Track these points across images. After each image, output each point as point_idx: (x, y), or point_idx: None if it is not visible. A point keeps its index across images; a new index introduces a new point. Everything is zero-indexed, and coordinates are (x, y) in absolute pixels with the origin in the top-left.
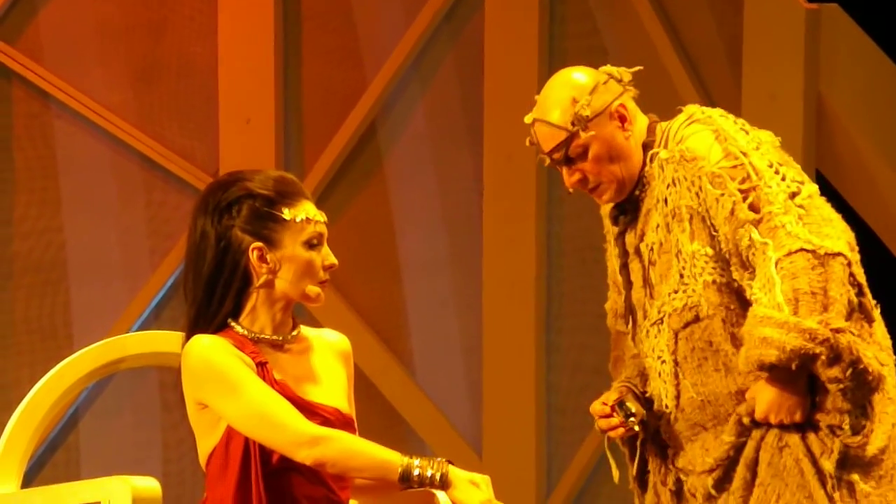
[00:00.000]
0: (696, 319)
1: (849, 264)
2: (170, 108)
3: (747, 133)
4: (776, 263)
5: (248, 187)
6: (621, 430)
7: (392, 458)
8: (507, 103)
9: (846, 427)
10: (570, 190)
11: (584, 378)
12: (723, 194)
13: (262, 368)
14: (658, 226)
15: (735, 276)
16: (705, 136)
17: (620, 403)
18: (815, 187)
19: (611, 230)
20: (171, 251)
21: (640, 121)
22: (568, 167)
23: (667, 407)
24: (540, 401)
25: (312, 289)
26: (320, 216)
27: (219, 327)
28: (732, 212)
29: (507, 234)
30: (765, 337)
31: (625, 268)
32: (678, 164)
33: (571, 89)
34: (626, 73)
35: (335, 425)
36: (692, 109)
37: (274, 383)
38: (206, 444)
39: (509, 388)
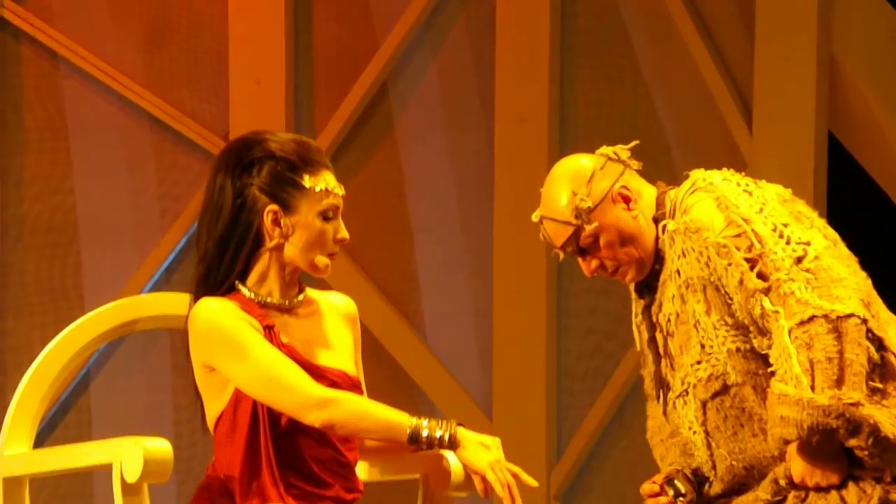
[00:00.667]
0: (725, 388)
1: (864, 321)
2: (179, 69)
3: (750, 194)
4: (790, 332)
5: (272, 149)
6: None
7: (401, 420)
8: (519, 65)
9: (888, 477)
10: (590, 276)
11: (594, 341)
12: (730, 264)
13: (269, 332)
14: (674, 296)
15: (755, 343)
16: (707, 205)
17: (670, 481)
18: (822, 245)
19: (637, 302)
20: (181, 213)
21: (648, 195)
22: (583, 258)
23: (707, 476)
24: (550, 363)
25: (321, 259)
26: (339, 189)
27: (226, 290)
28: (741, 282)
29: (519, 197)
30: (782, 416)
31: (652, 341)
32: (684, 236)
33: (570, 182)
34: (623, 151)
35: (342, 388)
36: (696, 176)
37: (281, 346)
38: (213, 407)
39: (520, 350)
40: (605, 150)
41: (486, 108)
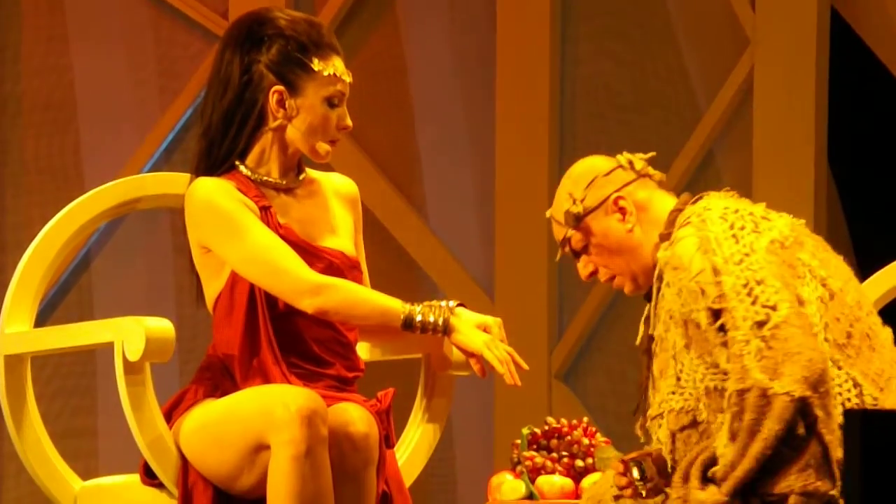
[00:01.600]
0: (694, 423)
1: (798, 400)
2: None
3: (737, 241)
4: (728, 398)
5: (283, 27)
6: (629, 489)
7: (394, 306)
8: None
9: None
10: (586, 280)
11: None
12: (699, 310)
13: (265, 213)
14: (661, 321)
15: (723, 366)
16: (690, 244)
17: (637, 462)
18: (788, 311)
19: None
20: (181, 91)
21: (658, 208)
22: (577, 260)
23: None
24: (552, 244)
25: (322, 145)
26: (347, 76)
27: (226, 168)
28: (705, 331)
29: (521, 77)
30: None
31: (647, 352)
32: (667, 269)
33: (571, 184)
34: (638, 161)
35: (340, 268)
36: (695, 210)
37: (278, 227)
38: (212, 287)
39: (522, 230)
40: (621, 157)
41: None
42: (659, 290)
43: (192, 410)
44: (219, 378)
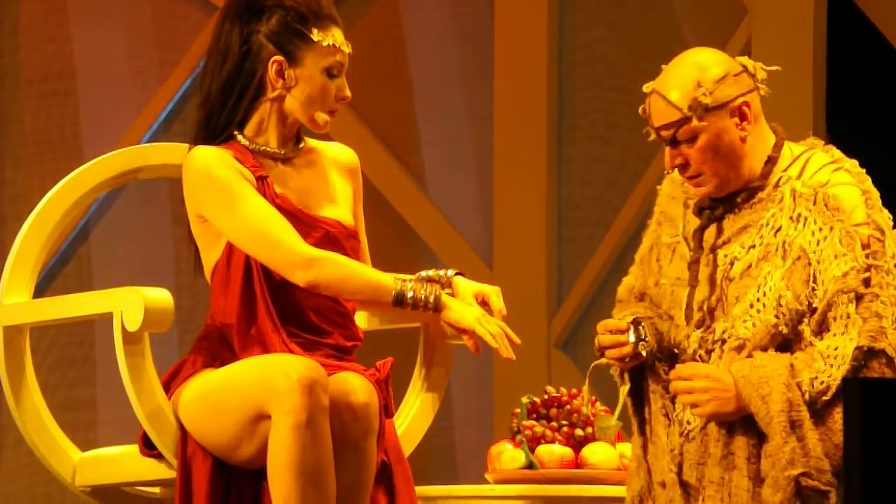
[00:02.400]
0: (739, 350)
1: None
2: None
3: (882, 211)
4: (855, 349)
5: None
6: (627, 349)
7: (386, 282)
8: None
9: None
10: (670, 170)
11: (594, 189)
12: (846, 254)
13: (262, 183)
14: (753, 247)
15: (802, 328)
16: (855, 193)
17: (636, 323)
18: None
19: (672, 216)
20: (179, 62)
21: (764, 128)
22: (673, 148)
23: (689, 423)
24: (550, 212)
25: (321, 115)
26: (346, 46)
27: (225, 138)
28: (845, 275)
29: (518, 45)
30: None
31: (695, 263)
32: (814, 205)
33: (699, 71)
34: (761, 70)
35: (337, 238)
36: (837, 154)
37: (275, 197)
38: (209, 257)
39: (520, 199)
40: (745, 60)
41: None
42: (742, 206)
43: (191, 380)
44: (217, 348)
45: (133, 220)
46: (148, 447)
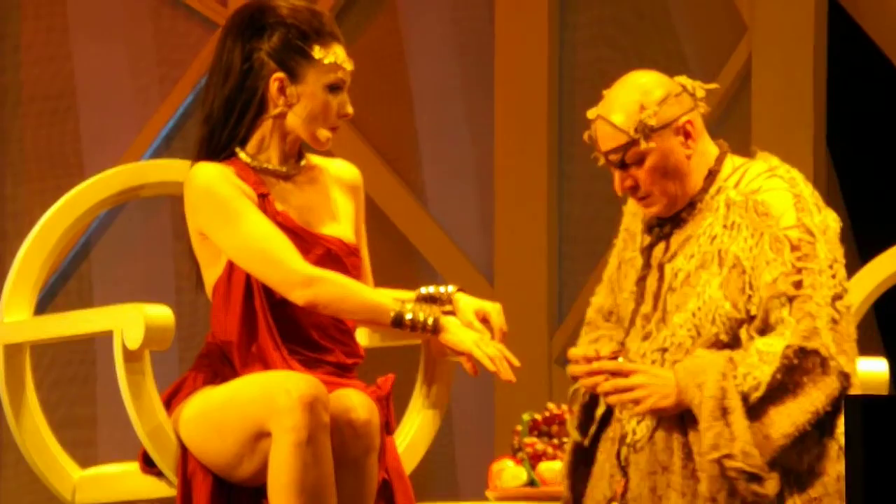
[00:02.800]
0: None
1: (846, 388)
2: None
3: (819, 211)
4: (786, 347)
5: (284, 15)
6: (598, 379)
7: (384, 303)
8: None
9: None
10: (620, 194)
11: (596, 206)
12: (776, 259)
13: (263, 200)
14: (693, 256)
15: (741, 334)
16: (785, 197)
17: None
18: (853, 301)
19: (634, 232)
20: (180, 79)
21: (707, 143)
22: (622, 171)
23: (635, 433)
24: (552, 229)
25: (322, 132)
26: (348, 64)
27: (226, 152)
28: (775, 280)
29: (519, 62)
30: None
31: (643, 280)
32: (745, 212)
33: (642, 94)
34: (700, 90)
35: (338, 255)
36: (775, 162)
37: (276, 214)
38: (210, 274)
39: (521, 216)
40: (684, 80)
41: None
42: (686, 221)
43: (192, 398)
44: (218, 365)
45: (134, 237)
46: (148, 465)
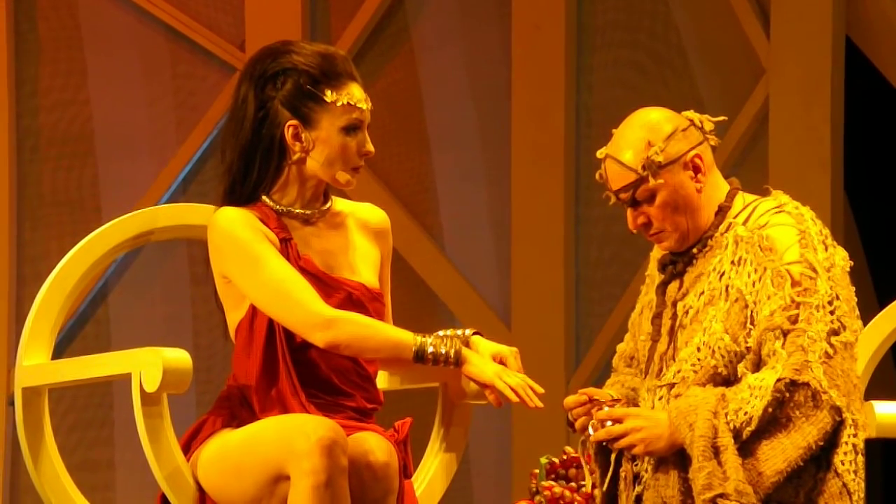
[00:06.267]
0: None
1: (839, 423)
2: None
3: (826, 249)
4: (777, 381)
5: (296, 61)
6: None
7: (405, 339)
8: None
9: None
10: (633, 231)
11: (612, 249)
12: (776, 294)
13: (285, 245)
14: (702, 293)
15: (740, 368)
16: (789, 233)
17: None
18: (853, 338)
19: (654, 277)
20: (198, 124)
21: (718, 178)
22: (633, 209)
23: (647, 471)
24: (569, 272)
25: (342, 175)
26: (364, 103)
27: (250, 199)
28: (773, 313)
29: (536, 105)
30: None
31: (658, 318)
32: (750, 247)
33: (648, 131)
34: (708, 122)
35: (360, 300)
36: (784, 198)
37: (298, 259)
38: (233, 317)
39: (538, 259)
40: (691, 114)
41: (502, 16)
42: (697, 258)
43: (211, 441)
44: (237, 408)
45: (151, 280)
46: None
